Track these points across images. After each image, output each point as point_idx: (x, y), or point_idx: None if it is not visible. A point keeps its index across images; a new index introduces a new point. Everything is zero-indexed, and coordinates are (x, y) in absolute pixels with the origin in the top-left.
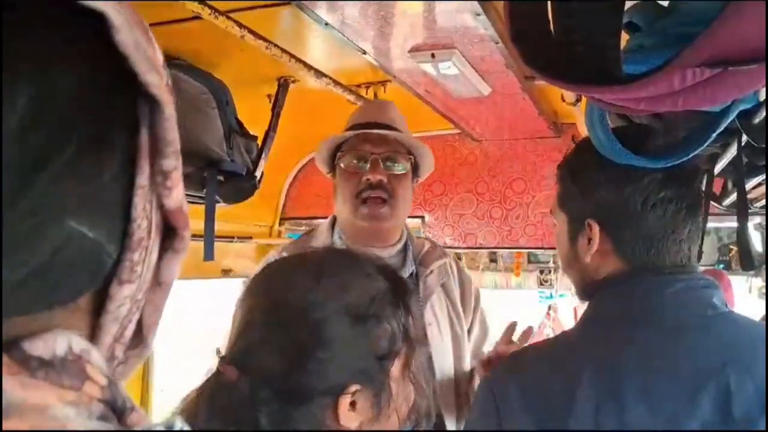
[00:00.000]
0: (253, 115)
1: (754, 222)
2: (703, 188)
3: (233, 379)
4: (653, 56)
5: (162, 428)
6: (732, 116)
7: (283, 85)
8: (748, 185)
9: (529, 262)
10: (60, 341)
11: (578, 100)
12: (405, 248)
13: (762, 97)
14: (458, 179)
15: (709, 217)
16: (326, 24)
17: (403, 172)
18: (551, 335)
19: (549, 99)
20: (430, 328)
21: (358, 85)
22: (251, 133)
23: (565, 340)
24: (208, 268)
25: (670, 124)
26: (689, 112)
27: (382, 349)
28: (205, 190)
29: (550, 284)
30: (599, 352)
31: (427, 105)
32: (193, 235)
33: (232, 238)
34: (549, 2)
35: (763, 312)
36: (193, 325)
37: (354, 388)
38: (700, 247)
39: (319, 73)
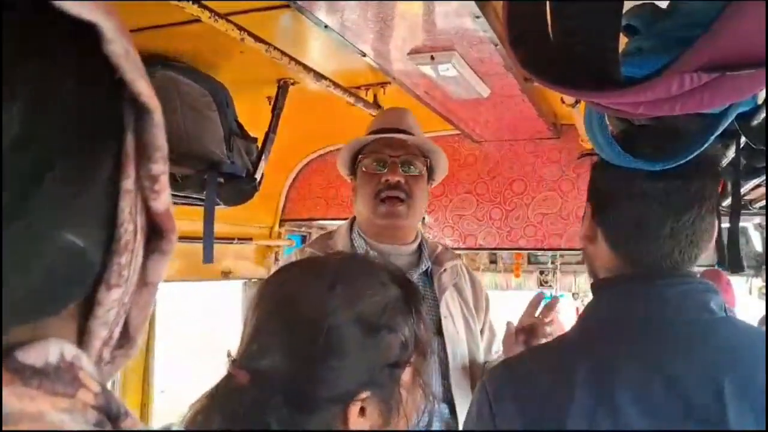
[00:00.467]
0: (253, 117)
1: (753, 222)
2: (709, 191)
3: (244, 383)
4: (652, 59)
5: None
6: (730, 119)
7: (283, 87)
8: (747, 186)
9: (529, 263)
10: (52, 349)
11: (578, 101)
12: (420, 247)
13: (760, 100)
14: (458, 180)
15: None
16: (326, 26)
17: (419, 174)
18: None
19: (548, 100)
20: (446, 321)
21: (358, 87)
22: (251, 135)
23: (561, 344)
24: (208, 270)
25: (670, 126)
26: (688, 115)
27: (394, 357)
28: (205, 192)
29: (550, 285)
30: (595, 357)
31: (426, 107)
32: (193, 237)
33: (232, 239)
34: (547, 6)
35: (763, 312)
36: (193, 327)
37: (364, 395)
38: (729, 251)
39: (319, 75)
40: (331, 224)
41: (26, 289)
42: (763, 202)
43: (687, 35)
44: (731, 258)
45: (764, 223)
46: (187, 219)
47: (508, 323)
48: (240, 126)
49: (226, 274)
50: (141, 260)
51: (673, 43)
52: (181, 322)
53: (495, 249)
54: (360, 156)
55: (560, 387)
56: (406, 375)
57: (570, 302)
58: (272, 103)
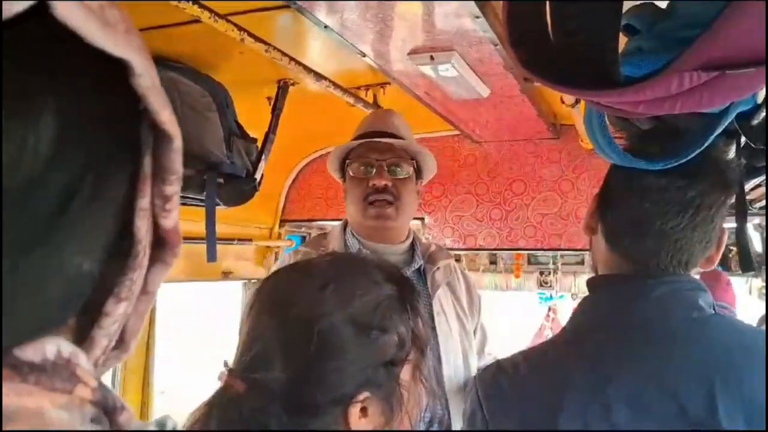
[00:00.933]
0: (252, 118)
1: (753, 222)
2: (709, 198)
3: (241, 392)
4: (651, 59)
5: (154, 427)
6: (730, 118)
7: (283, 87)
8: (747, 186)
9: (529, 263)
10: (49, 346)
11: (577, 101)
12: (413, 246)
13: (760, 99)
14: (458, 181)
15: None
16: (325, 27)
17: (407, 176)
18: (551, 336)
19: (548, 101)
20: (438, 318)
21: (358, 88)
22: (251, 135)
23: (552, 345)
24: (209, 271)
25: (670, 125)
26: (688, 114)
27: (390, 355)
28: (204, 193)
29: (550, 285)
30: (585, 358)
31: (426, 107)
32: (194, 238)
33: (232, 240)
34: (547, 6)
35: (763, 313)
36: (193, 328)
37: (363, 395)
38: (738, 251)
39: (319, 76)
40: (331, 225)
41: (36, 307)
42: (763, 203)
43: (686, 35)
44: (740, 259)
45: (764, 224)
46: (187, 220)
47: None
48: (240, 126)
49: (226, 275)
50: (145, 272)
51: (672, 43)
52: (181, 322)
53: (495, 249)
54: (348, 160)
55: (550, 388)
56: (406, 373)
57: (570, 303)
58: (272, 103)
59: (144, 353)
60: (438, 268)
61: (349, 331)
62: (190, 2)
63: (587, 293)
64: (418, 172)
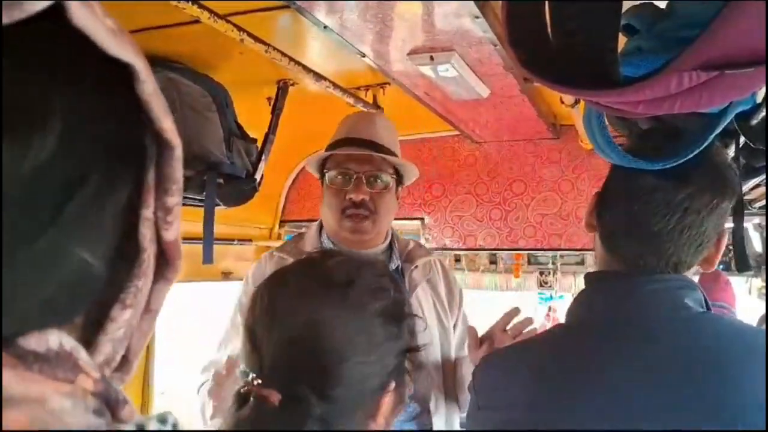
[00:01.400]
0: (252, 118)
1: (753, 222)
2: (702, 201)
3: (276, 403)
4: (651, 59)
5: (155, 422)
6: (729, 118)
7: (283, 87)
8: (746, 186)
9: (529, 263)
10: (52, 338)
11: (577, 102)
12: (390, 246)
13: (759, 99)
14: (458, 181)
15: None
16: (325, 27)
17: (386, 187)
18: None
19: (548, 101)
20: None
21: (358, 88)
22: (251, 135)
23: (544, 339)
24: (208, 271)
25: (669, 125)
26: (688, 114)
27: (408, 343)
28: (204, 193)
29: (550, 286)
30: (572, 352)
31: (426, 107)
32: (193, 238)
33: (232, 240)
34: (546, 6)
35: (763, 312)
36: (193, 328)
37: (392, 386)
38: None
39: (319, 76)
40: None
41: (39, 300)
42: (763, 202)
43: (686, 35)
44: (737, 259)
45: (764, 224)
46: (187, 220)
47: (470, 327)
48: (240, 127)
49: (226, 275)
50: (150, 286)
51: (672, 43)
52: (180, 323)
53: (495, 249)
54: (325, 167)
55: (536, 383)
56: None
57: (569, 303)
58: (272, 103)
59: (144, 354)
60: (416, 267)
61: (379, 324)
62: (190, 3)
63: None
64: (399, 179)
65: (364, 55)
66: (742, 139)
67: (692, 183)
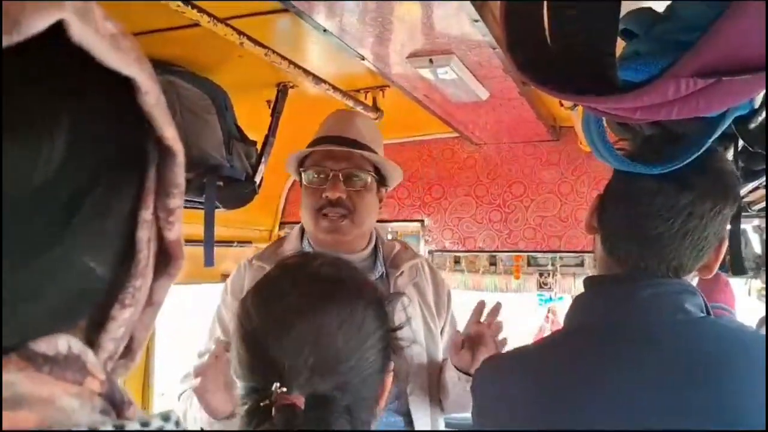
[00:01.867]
0: (252, 121)
1: (752, 224)
2: (703, 207)
3: (301, 406)
4: (649, 63)
5: (159, 419)
6: (728, 122)
7: (282, 90)
8: (745, 189)
9: (529, 265)
10: (61, 342)
11: (576, 104)
12: (375, 251)
13: (757, 103)
14: (457, 183)
15: None
16: (325, 30)
17: (364, 186)
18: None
19: (547, 103)
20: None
21: (357, 91)
22: (251, 138)
23: (543, 343)
24: (208, 273)
25: (668, 130)
26: (686, 118)
27: (392, 323)
28: (204, 196)
29: (550, 287)
30: (570, 357)
31: (425, 109)
32: (193, 241)
33: (232, 242)
34: (545, 12)
35: (763, 314)
36: (192, 330)
37: (392, 365)
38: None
39: (318, 79)
40: None
41: (47, 307)
42: (762, 204)
43: (684, 39)
44: (733, 262)
45: (763, 225)
46: (186, 222)
47: (455, 332)
48: (239, 129)
49: (226, 277)
50: (150, 283)
51: (670, 47)
52: (180, 325)
53: (494, 251)
54: (302, 167)
55: (536, 387)
56: None
57: (569, 304)
58: (272, 106)
59: (144, 356)
60: (401, 273)
61: (372, 311)
62: (190, 6)
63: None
64: (382, 180)
65: (363, 58)
66: (740, 143)
67: (695, 188)
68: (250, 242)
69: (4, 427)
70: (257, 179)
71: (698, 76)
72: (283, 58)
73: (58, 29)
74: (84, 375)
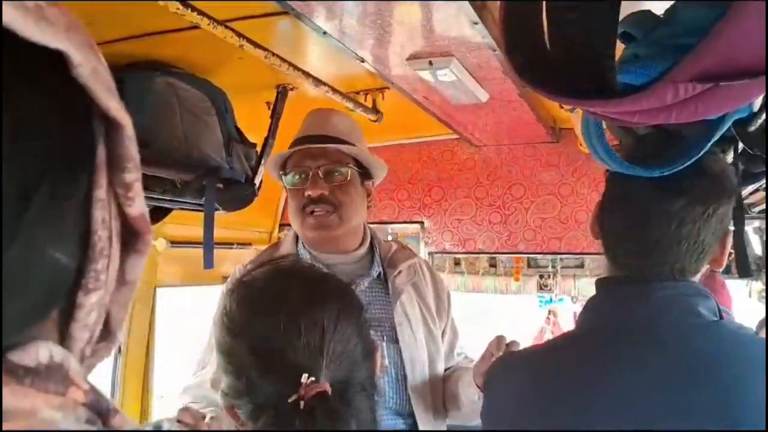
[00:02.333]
0: (252, 123)
1: (753, 226)
2: (700, 211)
3: (328, 390)
4: (648, 66)
5: (150, 428)
6: (727, 125)
7: (282, 92)
8: (745, 191)
9: (529, 266)
10: (42, 351)
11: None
12: (371, 251)
13: (756, 107)
14: (457, 184)
15: None
16: (324, 32)
17: (346, 180)
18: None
19: (547, 105)
20: (401, 327)
21: (357, 92)
22: (250, 140)
23: (553, 345)
24: (208, 274)
25: (667, 132)
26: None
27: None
28: (204, 198)
29: (550, 289)
30: (580, 359)
31: (425, 111)
32: (192, 242)
33: (232, 244)
34: (544, 13)
35: (763, 316)
36: (192, 332)
37: (376, 343)
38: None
39: (318, 81)
40: None
41: (17, 306)
42: (763, 206)
43: (683, 42)
44: (738, 264)
45: (764, 227)
46: (186, 224)
47: (500, 337)
48: (239, 131)
49: (226, 279)
50: (118, 262)
51: (669, 50)
52: (180, 326)
53: (494, 253)
54: (283, 171)
55: (545, 387)
56: None
57: (570, 306)
58: (271, 108)
59: (144, 357)
60: (399, 272)
61: (356, 299)
62: (189, 9)
63: (587, 296)
64: (366, 173)
65: (363, 60)
66: (740, 145)
67: (685, 193)
68: (249, 244)
69: None
70: (257, 181)
71: (697, 81)
72: (283, 60)
73: None
74: (67, 385)
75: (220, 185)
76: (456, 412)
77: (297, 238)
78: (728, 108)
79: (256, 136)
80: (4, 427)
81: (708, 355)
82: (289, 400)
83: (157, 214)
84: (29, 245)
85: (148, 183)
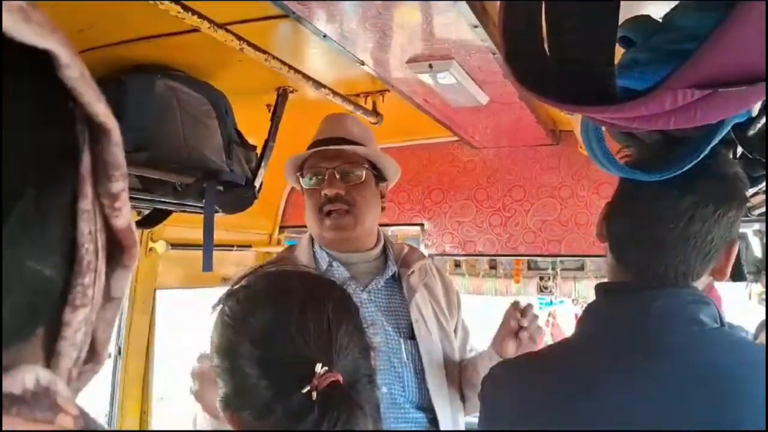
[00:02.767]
0: (252, 125)
1: (753, 228)
2: (704, 212)
3: (341, 381)
4: (647, 71)
5: None
6: (727, 129)
7: (282, 95)
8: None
9: (529, 269)
10: (28, 376)
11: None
12: (384, 252)
13: (755, 112)
14: (457, 187)
15: None
16: (324, 36)
17: (361, 181)
18: (551, 342)
19: (547, 107)
20: (417, 324)
21: (357, 95)
22: (250, 142)
23: (554, 350)
24: (208, 277)
25: (668, 135)
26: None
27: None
28: (204, 200)
29: (550, 291)
30: (578, 366)
31: (425, 114)
32: (192, 245)
33: (232, 246)
34: (544, 21)
35: (763, 319)
36: (191, 334)
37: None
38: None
39: (318, 84)
40: None
41: (5, 314)
42: (762, 209)
43: (683, 47)
44: (733, 268)
45: (764, 230)
46: (186, 226)
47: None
48: (239, 134)
49: (226, 281)
50: (104, 278)
51: (668, 56)
52: (180, 329)
53: (494, 255)
54: (300, 173)
55: (542, 395)
56: None
57: (570, 308)
58: (271, 111)
59: (143, 360)
60: (413, 272)
61: (350, 298)
62: (190, 12)
63: (588, 298)
64: (380, 176)
65: (363, 63)
66: (739, 149)
67: (697, 192)
68: (249, 246)
69: None
70: (257, 184)
71: (696, 87)
72: (283, 63)
73: None
74: (55, 412)
75: (221, 188)
76: (474, 401)
77: (312, 240)
78: (727, 114)
79: (256, 138)
80: None
81: (708, 364)
82: (303, 391)
83: (157, 216)
84: (10, 258)
85: (149, 185)
